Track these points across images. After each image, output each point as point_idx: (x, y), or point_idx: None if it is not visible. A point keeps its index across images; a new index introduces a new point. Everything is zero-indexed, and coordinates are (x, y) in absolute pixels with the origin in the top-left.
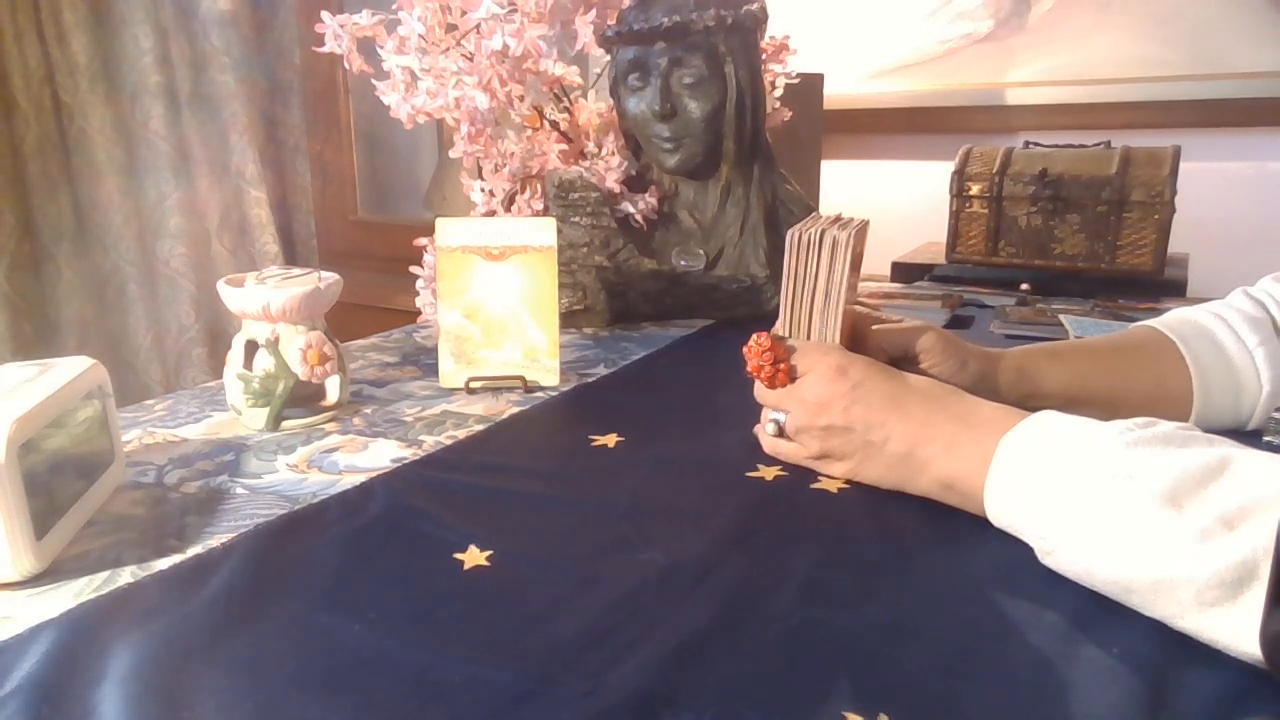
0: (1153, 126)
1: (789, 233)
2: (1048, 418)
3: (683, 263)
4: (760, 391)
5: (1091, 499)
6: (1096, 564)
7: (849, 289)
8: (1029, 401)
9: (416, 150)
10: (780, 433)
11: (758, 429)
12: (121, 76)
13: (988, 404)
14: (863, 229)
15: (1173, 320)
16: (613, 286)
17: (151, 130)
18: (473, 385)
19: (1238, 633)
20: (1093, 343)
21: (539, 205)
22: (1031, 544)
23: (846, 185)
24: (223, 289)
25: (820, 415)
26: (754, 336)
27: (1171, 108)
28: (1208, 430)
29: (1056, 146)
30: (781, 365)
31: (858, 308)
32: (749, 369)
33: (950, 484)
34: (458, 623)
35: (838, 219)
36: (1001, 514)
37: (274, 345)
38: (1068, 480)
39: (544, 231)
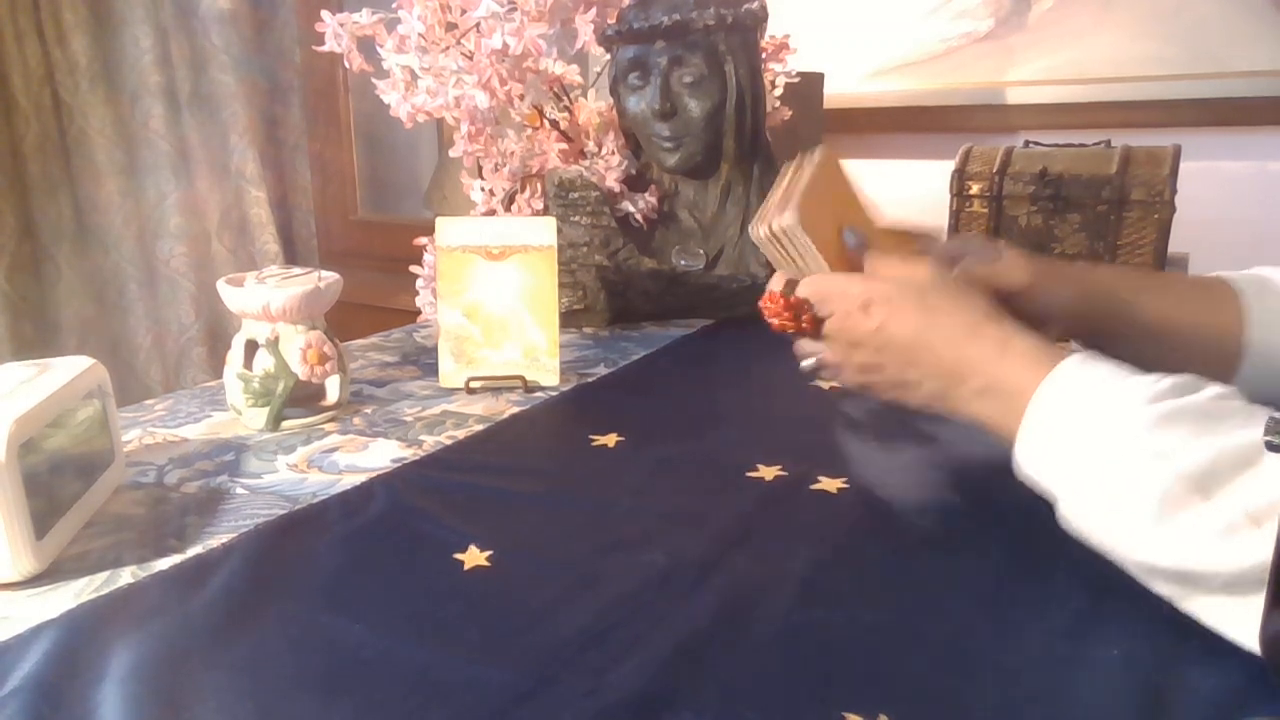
0: (1153, 126)
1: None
2: (1076, 374)
3: (683, 262)
4: (799, 343)
5: (1118, 475)
6: (1118, 542)
7: (843, 217)
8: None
9: (416, 150)
10: (819, 368)
11: (800, 353)
12: (121, 76)
13: (1015, 343)
14: (817, 177)
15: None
16: (613, 286)
17: (151, 130)
18: (473, 385)
19: (1245, 627)
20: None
21: (539, 204)
22: (1056, 506)
23: None
24: (223, 289)
25: (854, 354)
26: (764, 298)
27: (1172, 107)
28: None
29: (1056, 146)
30: (805, 316)
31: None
32: (774, 328)
33: (983, 425)
34: (458, 623)
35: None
36: (1028, 475)
37: (274, 345)
38: (1095, 452)
39: (544, 231)
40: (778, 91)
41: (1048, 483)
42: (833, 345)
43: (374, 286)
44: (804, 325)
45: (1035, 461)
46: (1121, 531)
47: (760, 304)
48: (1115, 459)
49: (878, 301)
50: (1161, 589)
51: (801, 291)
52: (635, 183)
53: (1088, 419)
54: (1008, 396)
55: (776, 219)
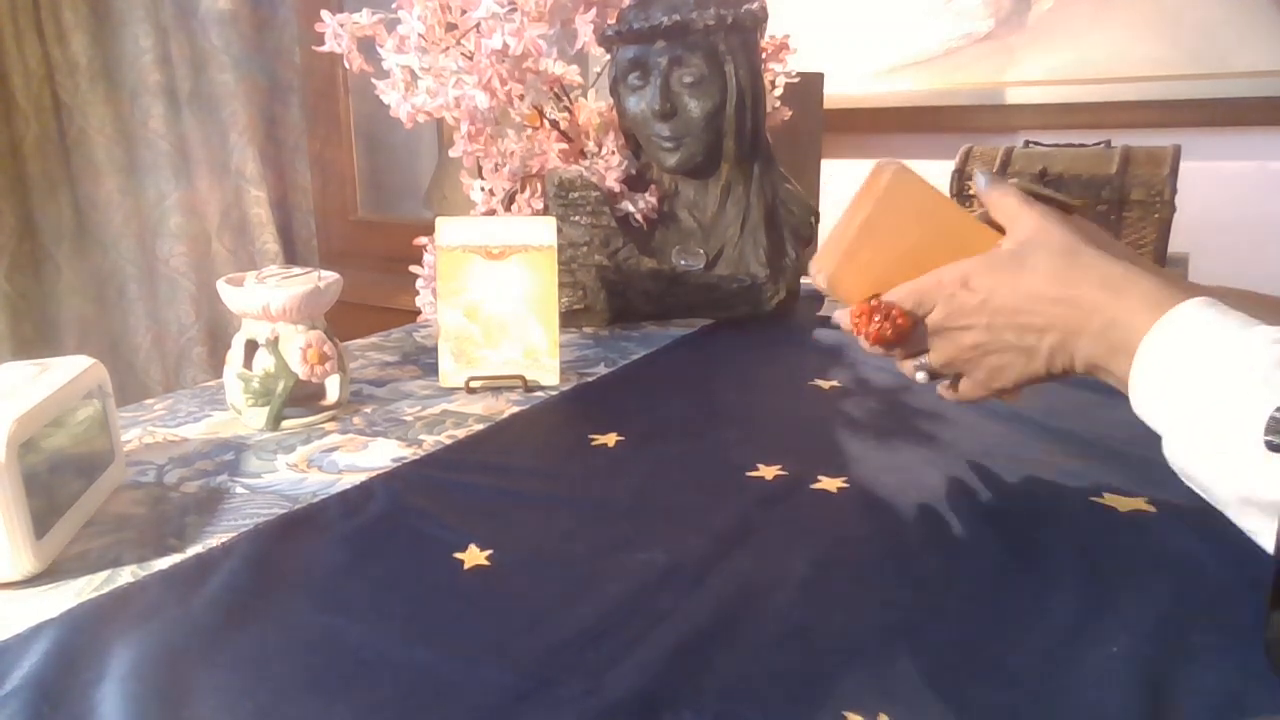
0: (1153, 126)
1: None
2: (1197, 314)
3: (683, 262)
4: (897, 356)
5: (1233, 408)
6: (1221, 473)
7: (927, 236)
8: None
9: (416, 150)
10: (933, 375)
11: (907, 371)
12: (121, 76)
13: (1133, 281)
14: (875, 214)
15: None
16: (613, 286)
17: (151, 130)
18: (473, 385)
19: None
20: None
21: (539, 204)
22: (1163, 442)
23: (846, 185)
24: (223, 289)
25: (966, 338)
26: (851, 317)
27: (1172, 107)
28: None
29: (1057, 146)
30: (897, 317)
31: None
32: (870, 342)
33: (1101, 370)
34: (458, 623)
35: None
36: (1140, 409)
37: (274, 345)
38: (1211, 386)
39: (544, 231)
40: (778, 92)
41: (1158, 417)
42: (940, 343)
43: (374, 286)
44: (900, 322)
45: (1149, 397)
46: (1227, 463)
47: (849, 325)
48: (1232, 392)
49: (976, 274)
50: (1252, 521)
51: (894, 297)
52: (635, 183)
53: (1206, 355)
54: (1125, 331)
55: (817, 274)
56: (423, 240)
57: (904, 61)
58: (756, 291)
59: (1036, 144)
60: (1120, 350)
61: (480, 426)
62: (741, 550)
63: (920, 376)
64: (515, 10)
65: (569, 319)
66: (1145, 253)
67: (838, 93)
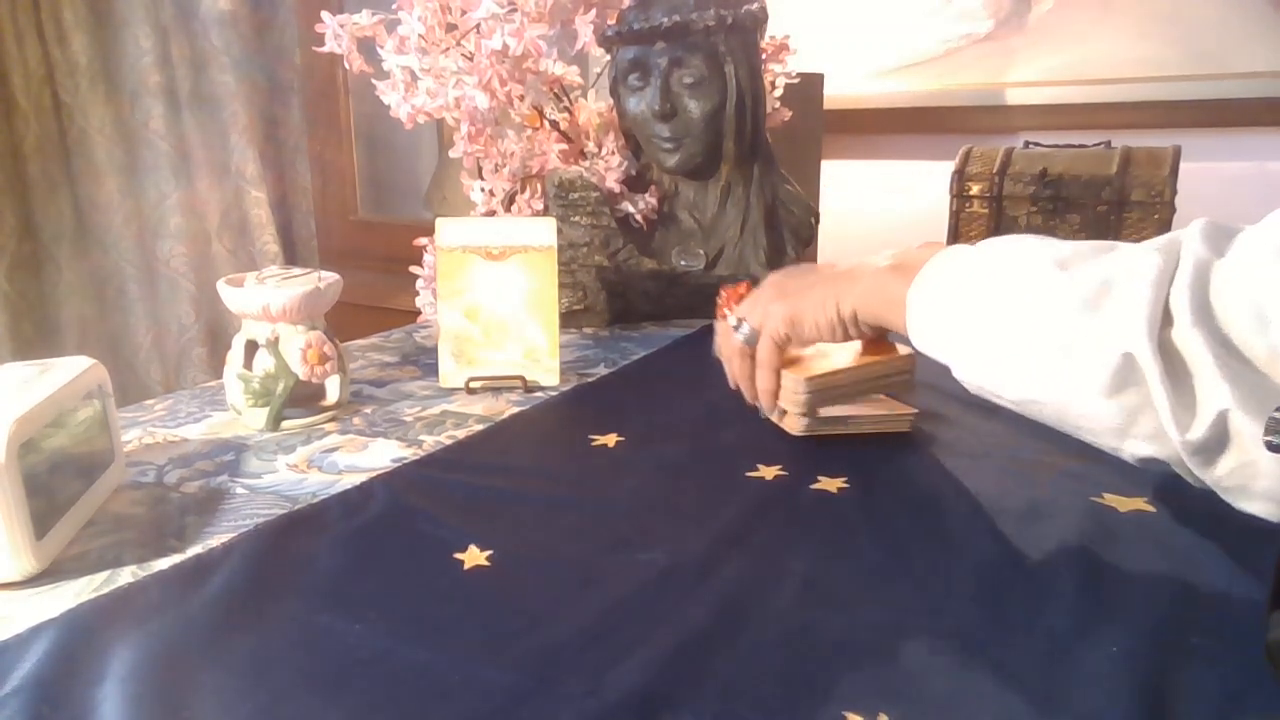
0: (1153, 126)
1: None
2: (961, 249)
3: (683, 263)
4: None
5: (996, 273)
6: (1001, 332)
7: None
8: None
9: (416, 150)
10: (748, 343)
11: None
12: (121, 76)
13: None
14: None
15: None
16: (613, 286)
17: (151, 130)
18: (473, 385)
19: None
20: None
21: (539, 205)
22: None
23: (846, 185)
24: (223, 289)
25: (771, 284)
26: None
27: (1171, 108)
28: None
29: (1056, 146)
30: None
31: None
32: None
33: (885, 302)
34: (458, 623)
35: None
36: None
37: (274, 345)
38: (978, 280)
39: (544, 231)
40: (778, 92)
41: (939, 318)
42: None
43: (374, 286)
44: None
45: (927, 307)
46: (1002, 322)
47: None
48: (994, 269)
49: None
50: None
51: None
52: (635, 183)
53: (984, 257)
54: (909, 259)
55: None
56: (423, 241)
57: (904, 62)
58: None
59: (1036, 145)
60: (904, 270)
61: (480, 427)
62: (741, 550)
63: (740, 336)
64: (515, 11)
65: (569, 319)
66: None
67: (838, 93)
